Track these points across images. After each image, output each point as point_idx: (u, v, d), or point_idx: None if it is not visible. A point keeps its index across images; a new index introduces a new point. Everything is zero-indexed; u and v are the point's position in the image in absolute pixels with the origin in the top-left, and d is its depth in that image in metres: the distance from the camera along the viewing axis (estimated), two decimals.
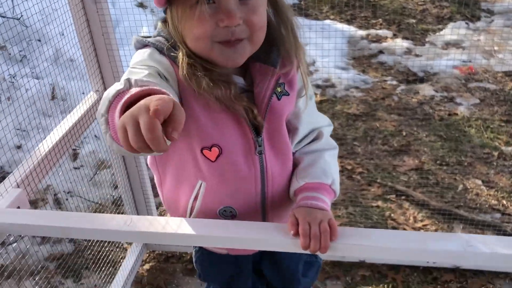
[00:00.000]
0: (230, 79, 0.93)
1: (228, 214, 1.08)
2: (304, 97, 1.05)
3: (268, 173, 1.04)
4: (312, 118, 1.09)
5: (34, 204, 2.39)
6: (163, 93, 0.71)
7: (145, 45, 0.95)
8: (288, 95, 1.01)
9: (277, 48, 0.97)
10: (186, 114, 0.76)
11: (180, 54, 0.91)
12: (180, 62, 0.89)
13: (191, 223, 1.01)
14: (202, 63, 0.90)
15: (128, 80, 0.75)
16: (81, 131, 1.55)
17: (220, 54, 0.88)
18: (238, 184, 1.02)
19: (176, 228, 1.01)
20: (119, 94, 0.74)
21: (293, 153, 1.11)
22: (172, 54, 0.91)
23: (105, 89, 1.68)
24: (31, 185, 1.29)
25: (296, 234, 0.94)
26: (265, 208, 1.09)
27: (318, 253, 0.93)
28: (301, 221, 0.93)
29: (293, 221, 0.96)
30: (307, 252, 0.93)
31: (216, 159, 0.98)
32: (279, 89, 0.99)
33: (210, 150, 0.97)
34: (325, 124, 1.12)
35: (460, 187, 2.39)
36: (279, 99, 0.99)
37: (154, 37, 0.97)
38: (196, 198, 1.04)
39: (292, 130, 1.09)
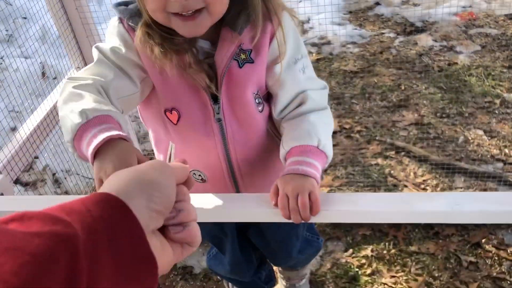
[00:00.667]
0: (185, 47, 0.90)
1: (198, 177, 1.09)
2: (282, 62, 0.99)
3: (230, 140, 1.03)
4: (297, 83, 1.02)
5: (33, 185, 2.40)
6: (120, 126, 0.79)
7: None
8: (253, 62, 0.96)
9: (246, 12, 0.92)
10: (150, 77, 0.93)
11: (140, 22, 0.92)
12: (137, 31, 0.91)
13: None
14: (161, 32, 0.89)
15: (85, 112, 0.79)
16: None
17: (179, 27, 0.87)
18: (200, 149, 1.04)
19: None
20: (80, 127, 0.78)
21: (277, 122, 1.07)
22: (131, 24, 0.93)
23: (85, 64, 1.64)
24: (14, 169, 1.28)
25: (277, 204, 0.92)
26: (234, 176, 1.08)
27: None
28: (280, 194, 0.90)
29: (274, 190, 0.93)
30: (290, 221, 0.91)
31: (177, 122, 1.00)
32: (243, 56, 0.95)
33: (171, 113, 1.00)
34: (314, 87, 1.04)
35: (461, 138, 2.34)
36: (240, 67, 0.95)
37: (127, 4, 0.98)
38: (169, 159, 1.07)
39: (273, 97, 1.04)
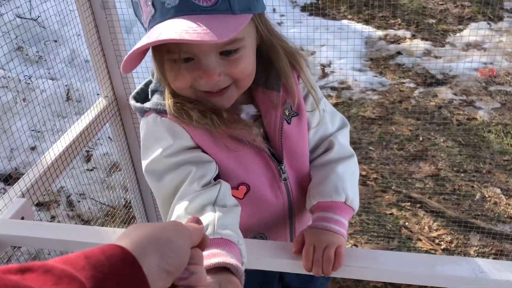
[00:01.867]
0: (219, 110, 0.87)
1: (259, 238, 1.08)
2: (308, 102, 0.99)
3: (294, 194, 1.03)
4: (322, 125, 1.02)
5: (47, 206, 2.41)
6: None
7: (146, 111, 0.93)
8: (297, 115, 0.96)
9: (274, 68, 0.93)
10: (212, 155, 0.88)
11: (166, 92, 0.89)
12: (167, 102, 0.87)
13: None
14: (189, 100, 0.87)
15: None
16: (90, 136, 1.55)
17: (207, 101, 0.86)
18: (267, 213, 1.01)
19: None
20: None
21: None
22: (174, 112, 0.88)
23: (114, 94, 1.67)
24: (36, 193, 1.29)
25: (297, 252, 0.92)
26: (292, 228, 1.08)
27: None
28: (306, 243, 0.90)
29: (299, 239, 0.93)
30: (310, 273, 0.90)
31: (244, 196, 0.97)
32: (287, 112, 0.94)
33: (238, 189, 0.96)
34: (337, 127, 1.04)
35: (478, 195, 2.32)
36: (289, 123, 0.95)
37: (146, 90, 0.96)
38: None
39: None
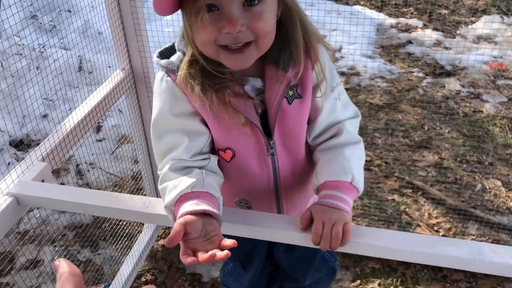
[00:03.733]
0: (225, 86, 0.94)
1: (244, 205, 1.14)
2: (319, 88, 1.02)
3: (280, 171, 1.08)
4: (333, 112, 1.06)
5: (56, 173, 2.46)
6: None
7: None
8: (300, 97, 1.00)
9: (289, 49, 0.96)
10: (205, 120, 0.99)
11: (186, 58, 0.96)
12: (180, 72, 0.95)
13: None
14: (206, 66, 0.94)
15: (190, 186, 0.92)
16: (106, 108, 1.59)
17: (226, 59, 0.91)
18: (251, 182, 1.08)
19: None
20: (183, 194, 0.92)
21: (311, 147, 1.11)
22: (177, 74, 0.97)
23: (131, 67, 1.71)
24: (55, 159, 1.34)
25: (305, 228, 0.97)
26: (279, 200, 1.13)
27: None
28: (316, 219, 0.95)
29: (306, 216, 0.98)
30: (317, 247, 0.95)
31: (231, 160, 1.04)
32: (290, 92, 0.98)
33: (225, 152, 1.04)
34: (348, 116, 1.08)
35: (479, 186, 2.37)
36: (290, 103, 0.99)
37: (174, 48, 1.02)
38: None
39: (310, 123, 1.08)
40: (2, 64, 2.80)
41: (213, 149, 1.06)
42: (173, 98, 0.98)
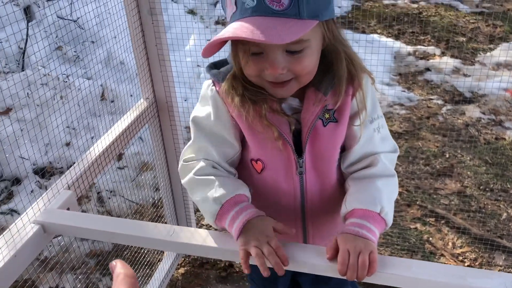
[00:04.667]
0: (263, 100, 1.00)
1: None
2: (360, 116, 1.03)
3: (308, 192, 1.09)
4: (370, 143, 1.05)
5: (78, 200, 2.49)
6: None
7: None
8: (336, 121, 1.02)
9: (331, 75, 0.99)
10: (241, 128, 1.06)
11: (230, 73, 1.02)
12: (223, 83, 1.02)
13: (230, 238, 1.03)
14: (245, 83, 1.00)
15: (219, 200, 1.00)
16: (130, 136, 1.61)
17: (269, 89, 0.99)
18: (278, 198, 1.11)
19: (218, 242, 1.04)
20: (218, 212, 1.01)
21: (344, 175, 1.11)
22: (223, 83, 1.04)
23: (154, 96, 1.74)
24: (80, 187, 1.36)
25: (332, 258, 0.96)
26: (305, 223, 1.13)
27: None
28: (341, 248, 0.93)
29: (332, 245, 0.97)
30: (344, 277, 0.94)
31: (261, 172, 1.10)
32: (326, 115, 1.01)
33: (257, 163, 1.10)
34: (386, 150, 1.07)
35: (504, 215, 2.32)
36: (324, 125, 1.01)
37: (227, 60, 1.09)
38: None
39: (346, 150, 1.09)
40: (28, 94, 2.88)
41: (246, 160, 1.11)
42: (215, 106, 1.06)
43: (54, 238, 2.19)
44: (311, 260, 0.98)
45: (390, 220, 1.01)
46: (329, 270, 0.97)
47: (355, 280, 0.94)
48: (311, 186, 1.08)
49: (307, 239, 1.16)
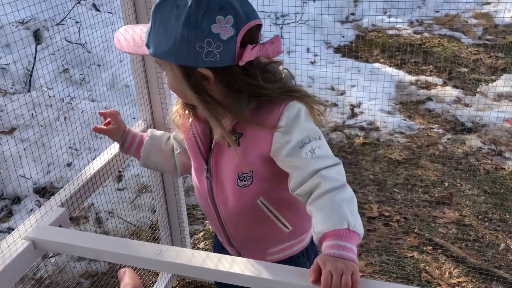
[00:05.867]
0: (192, 113, 1.18)
1: (203, 211, 1.34)
2: (285, 148, 1.06)
3: (215, 198, 1.21)
4: (307, 165, 1.05)
5: (76, 221, 2.50)
6: None
7: None
8: (238, 145, 1.09)
9: (254, 100, 1.07)
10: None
11: None
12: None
13: (216, 258, 1.04)
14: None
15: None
16: (126, 157, 1.64)
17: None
18: (200, 193, 1.26)
19: (202, 262, 1.04)
20: None
21: (298, 197, 1.12)
22: None
23: (152, 118, 1.77)
24: (74, 205, 1.37)
25: (316, 281, 0.95)
26: (225, 227, 1.26)
27: None
28: (323, 271, 0.93)
29: (315, 268, 0.97)
30: None
31: (192, 166, 1.27)
32: (233, 137, 1.09)
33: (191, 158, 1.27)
34: (326, 165, 1.06)
35: (502, 245, 2.30)
36: (228, 146, 1.11)
37: None
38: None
39: (289, 175, 1.10)
40: (32, 114, 2.93)
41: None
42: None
43: (48, 258, 2.20)
44: (295, 282, 0.98)
45: (360, 230, 1.00)
46: None
47: None
48: (217, 193, 1.20)
49: (230, 238, 1.28)
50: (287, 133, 1.05)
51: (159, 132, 1.42)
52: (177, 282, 2.16)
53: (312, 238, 1.35)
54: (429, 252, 2.26)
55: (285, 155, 1.06)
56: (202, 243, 2.37)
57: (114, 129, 1.37)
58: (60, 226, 1.28)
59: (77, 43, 3.38)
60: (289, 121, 1.05)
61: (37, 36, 3.40)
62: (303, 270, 1.01)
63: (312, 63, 4.42)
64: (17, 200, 2.60)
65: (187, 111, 1.19)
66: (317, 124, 1.12)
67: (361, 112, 3.65)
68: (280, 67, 1.14)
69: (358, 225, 1.00)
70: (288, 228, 1.24)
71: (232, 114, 1.07)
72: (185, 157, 1.34)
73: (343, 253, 0.95)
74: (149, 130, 1.43)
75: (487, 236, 2.35)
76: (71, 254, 1.86)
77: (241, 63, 1.02)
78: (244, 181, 1.16)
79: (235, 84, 1.05)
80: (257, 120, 1.07)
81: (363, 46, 4.75)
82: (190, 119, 1.19)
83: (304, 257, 1.33)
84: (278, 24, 4.71)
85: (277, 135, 1.06)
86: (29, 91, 3.13)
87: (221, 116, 1.07)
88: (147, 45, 1.06)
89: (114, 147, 1.60)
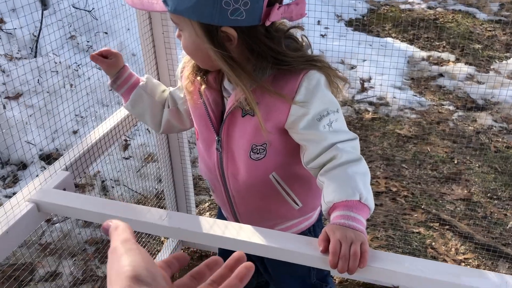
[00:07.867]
0: (204, 80, 1.11)
1: (208, 185, 1.34)
2: (303, 120, 1.03)
3: (227, 172, 1.17)
4: (324, 139, 1.03)
5: (82, 188, 2.50)
6: None
7: None
8: (253, 115, 1.05)
9: (271, 67, 1.01)
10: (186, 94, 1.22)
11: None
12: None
13: (223, 225, 1.02)
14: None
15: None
16: (132, 124, 1.61)
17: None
18: (208, 168, 1.22)
19: (209, 229, 1.03)
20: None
21: (310, 171, 1.10)
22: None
23: None
24: (78, 169, 1.35)
25: (325, 251, 0.93)
26: (231, 202, 1.23)
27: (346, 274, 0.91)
28: (332, 239, 0.91)
29: (323, 237, 0.94)
30: (334, 270, 0.92)
31: (198, 138, 1.22)
32: (247, 107, 1.03)
33: (195, 130, 1.23)
34: (342, 139, 1.04)
35: (510, 223, 2.27)
36: (243, 116, 1.06)
37: None
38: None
39: (302, 148, 1.09)
40: (38, 80, 2.90)
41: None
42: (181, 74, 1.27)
43: (54, 224, 2.20)
44: (304, 251, 0.96)
45: (371, 204, 0.99)
46: (319, 262, 0.95)
47: (347, 272, 0.91)
48: (227, 165, 1.15)
49: (236, 210, 1.25)
50: (305, 105, 1.01)
51: (156, 81, 1.32)
52: (182, 251, 2.16)
53: (319, 215, 1.34)
54: (436, 228, 2.24)
55: (302, 128, 1.03)
56: (208, 213, 2.36)
57: (112, 62, 1.25)
58: (64, 189, 1.26)
59: (84, 10, 3.31)
60: (308, 92, 1.01)
61: (44, 1, 3.34)
62: (311, 239, 0.99)
63: (323, 36, 4.34)
64: (22, 166, 2.60)
65: (198, 77, 1.11)
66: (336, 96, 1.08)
67: (371, 87, 3.59)
68: (299, 33, 1.08)
69: (370, 199, 0.99)
70: (298, 205, 1.21)
71: (253, 80, 1.00)
72: (174, 117, 1.28)
73: (353, 224, 0.93)
74: (145, 76, 1.31)
75: (495, 214, 2.33)
76: (75, 217, 1.86)
77: (267, 23, 0.95)
78: (258, 153, 1.12)
79: (257, 47, 0.99)
80: (276, 88, 1.02)
81: (375, 20, 4.64)
82: (203, 86, 1.10)
83: (311, 234, 1.31)
84: None
85: (295, 107, 1.02)
86: (35, 57, 3.09)
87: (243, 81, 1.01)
88: (165, 1, 0.97)
89: (120, 113, 1.57)
